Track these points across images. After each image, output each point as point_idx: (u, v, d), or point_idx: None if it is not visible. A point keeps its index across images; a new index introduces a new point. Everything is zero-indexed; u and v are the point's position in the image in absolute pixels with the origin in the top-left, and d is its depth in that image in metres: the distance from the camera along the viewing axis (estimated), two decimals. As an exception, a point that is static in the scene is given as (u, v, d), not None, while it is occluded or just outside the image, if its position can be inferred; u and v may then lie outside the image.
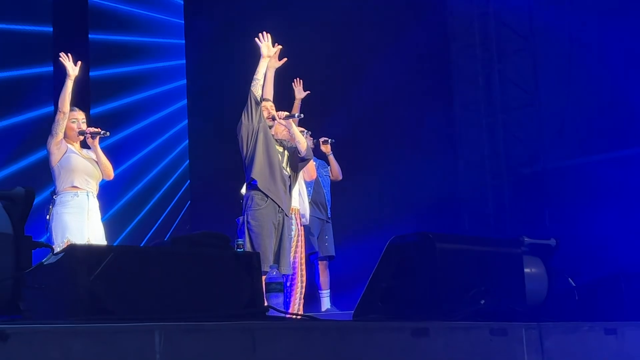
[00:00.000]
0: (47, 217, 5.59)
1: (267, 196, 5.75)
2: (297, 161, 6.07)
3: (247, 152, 5.85)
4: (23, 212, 2.60)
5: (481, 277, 3.65)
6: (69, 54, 5.75)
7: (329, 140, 7.45)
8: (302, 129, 6.54)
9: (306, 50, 8.98)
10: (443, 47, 9.49)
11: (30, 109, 8.51)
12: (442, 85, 9.48)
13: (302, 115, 6.23)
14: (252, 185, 5.81)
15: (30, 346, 2.19)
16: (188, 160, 10.00)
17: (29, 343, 2.19)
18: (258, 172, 5.79)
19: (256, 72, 5.91)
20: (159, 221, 9.51)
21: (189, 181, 10.02)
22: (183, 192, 10.00)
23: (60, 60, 5.74)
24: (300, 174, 6.41)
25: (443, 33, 9.53)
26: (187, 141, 10.03)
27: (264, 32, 5.98)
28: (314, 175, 7.01)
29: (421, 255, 3.52)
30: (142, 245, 8.06)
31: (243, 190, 5.94)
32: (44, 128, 8.20)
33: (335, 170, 7.47)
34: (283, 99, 6.51)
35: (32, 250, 2.64)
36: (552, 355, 3.49)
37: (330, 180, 7.46)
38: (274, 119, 6.05)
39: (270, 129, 5.99)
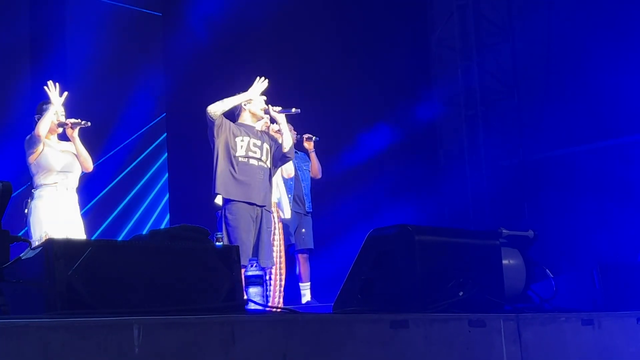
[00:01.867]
0: (25, 210, 5.57)
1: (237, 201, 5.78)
2: (278, 157, 6.06)
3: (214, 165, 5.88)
4: (0, 207, 2.58)
5: (460, 269, 3.66)
6: (56, 83, 5.72)
7: (313, 138, 7.44)
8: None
9: (287, 42, 8.99)
10: (422, 39, 9.52)
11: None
12: (422, 79, 9.50)
13: (299, 111, 6.15)
14: None
15: (8, 341, 2.18)
16: (166, 153, 9.94)
17: (7, 338, 2.18)
18: (220, 184, 5.79)
19: (227, 99, 5.85)
20: (137, 214, 9.46)
21: (167, 174, 9.97)
22: (161, 185, 9.95)
23: (45, 88, 5.71)
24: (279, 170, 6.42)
25: (422, 26, 9.56)
26: (165, 134, 9.97)
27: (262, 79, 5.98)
28: (292, 173, 7.00)
29: (400, 247, 3.53)
30: (120, 239, 8.03)
31: (218, 201, 5.91)
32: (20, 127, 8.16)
33: (315, 168, 7.47)
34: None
35: (10, 245, 2.62)
36: (530, 346, 3.52)
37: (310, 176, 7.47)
38: (267, 112, 6.03)
39: (254, 121, 6.00)
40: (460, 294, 3.50)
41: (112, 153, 9.01)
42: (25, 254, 2.64)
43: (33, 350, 2.22)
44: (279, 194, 6.74)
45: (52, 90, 5.69)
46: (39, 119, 5.72)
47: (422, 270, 3.51)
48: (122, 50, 9.30)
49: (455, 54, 9.89)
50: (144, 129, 9.77)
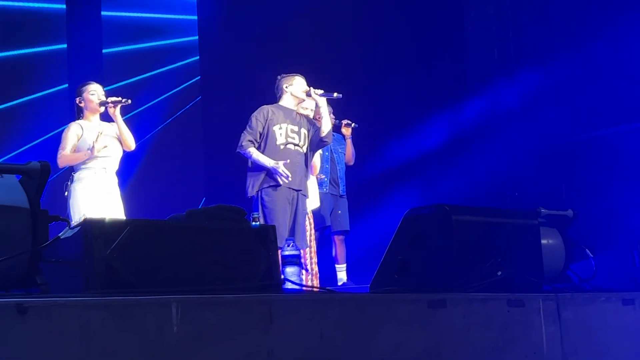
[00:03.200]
0: (65, 193, 5.62)
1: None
2: (315, 141, 6.06)
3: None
4: (39, 186, 2.60)
5: (498, 249, 3.63)
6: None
7: (352, 125, 7.41)
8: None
9: (322, 20, 8.97)
10: (457, 20, 9.42)
11: (45, 87, 8.53)
12: (457, 60, 9.41)
13: (340, 95, 6.11)
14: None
15: (48, 319, 2.20)
16: (202, 136, 10.00)
17: (46, 316, 2.20)
18: (253, 180, 5.83)
19: (256, 156, 5.84)
20: (174, 196, 9.53)
21: (203, 156, 10.02)
22: (197, 167, 10.01)
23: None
24: None
25: (457, 5, 9.45)
26: (200, 117, 10.03)
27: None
28: (316, 172, 6.97)
29: (437, 227, 3.50)
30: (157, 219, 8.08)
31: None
32: (59, 105, 8.25)
33: (349, 154, 7.46)
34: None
35: (49, 224, 2.65)
36: (570, 326, 3.48)
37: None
38: (308, 94, 6.02)
39: (295, 103, 6.03)
40: (499, 273, 3.47)
41: (150, 135, 9.09)
42: (64, 234, 2.66)
43: (72, 329, 2.24)
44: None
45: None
46: (79, 101, 5.76)
47: (460, 250, 3.48)
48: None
49: (491, 34, 9.77)
50: (181, 110, 9.84)
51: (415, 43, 9.28)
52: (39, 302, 2.22)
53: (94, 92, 5.74)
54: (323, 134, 6.03)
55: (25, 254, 2.53)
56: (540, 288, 3.72)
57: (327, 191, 7.08)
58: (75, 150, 5.66)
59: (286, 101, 6.07)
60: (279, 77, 6.15)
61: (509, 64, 9.54)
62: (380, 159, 9.00)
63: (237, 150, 5.90)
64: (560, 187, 8.48)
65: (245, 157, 5.92)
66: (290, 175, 5.76)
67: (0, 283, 2.54)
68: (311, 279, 6.27)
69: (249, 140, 5.85)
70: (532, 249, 3.85)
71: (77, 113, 5.81)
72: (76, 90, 5.89)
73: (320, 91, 6.05)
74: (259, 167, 5.85)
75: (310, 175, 6.73)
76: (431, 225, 3.52)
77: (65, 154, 5.61)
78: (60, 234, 2.66)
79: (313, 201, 6.67)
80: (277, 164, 5.74)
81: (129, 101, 5.74)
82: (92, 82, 5.87)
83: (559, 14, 9.04)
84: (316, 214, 6.67)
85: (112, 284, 2.66)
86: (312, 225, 6.51)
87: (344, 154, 7.43)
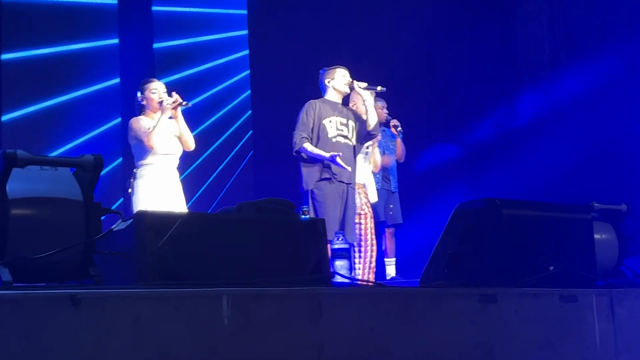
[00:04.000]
0: (129, 190, 5.67)
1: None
2: (363, 134, 6.04)
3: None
4: (92, 179, 2.63)
5: (550, 244, 3.58)
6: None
7: (399, 128, 7.40)
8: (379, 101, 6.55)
9: (371, 13, 8.95)
10: (508, 13, 9.31)
11: (97, 82, 8.64)
12: (508, 54, 9.30)
13: (384, 89, 6.09)
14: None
15: (101, 311, 2.22)
16: (251, 130, 10.06)
17: (100, 308, 2.23)
18: (307, 174, 5.83)
19: (311, 150, 5.83)
20: (224, 189, 9.60)
21: (252, 151, 10.08)
22: (247, 161, 10.07)
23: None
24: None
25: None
26: (250, 111, 10.08)
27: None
28: (378, 168, 6.97)
29: (488, 221, 3.47)
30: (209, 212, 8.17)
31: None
32: (111, 99, 8.36)
33: (400, 151, 7.45)
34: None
35: (102, 217, 2.68)
36: (623, 322, 3.43)
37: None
38: (352, 88, 6.01)
39: (339, 96, 6.02)
40: (551, 268, 3.42)
41: (200, 129, 9.17)
42: (117, 226, 2.69)
43: (125, 320, 2.26)
44: (366, 177, 6.74)
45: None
46: (141, 99, 5.77)
47: (511, 245, 3.44)
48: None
49: (542, 28, 9.64)
50: (230, 105, 9.90)
51: (465, 37, 9.20)
52: (92, 294, 2.25)
53: (155, 90, 5.74)
54: (370, 127, 6.00)
55: (78, 245, 2.56)
56: (594, 283, 3.67)
57: (380, 187, 7.08)
58: (138, 144, 5.68)
59: (330, 95, 6.06)
60: (321, 71, 6.14)
61: (560, 58, 9.41)
62: (431, 153, 8.96)
63: (294, 150, 5.87)
64: (613, 181, 8.35)
65: (302, 154, 5.89)
66: (347, 166, 5.75)
67: (55, 274, 2.58)
68: (367, 271, 6.25)
69: (303, 137, 5.84)
70: (584, 244, 3.79)
71: (138, 110, 5.82)
72: (139, 86, 5.89)
73: (364, 84, 6.02)
74: (313, 161, 5.84)
75: (371, 171, 6.76)
76: (482, 219, 3.49)
77: (149, 132, 5.57)
78: (113, 226, 2.69)
79: (371, 196, 6.68)
80: (335, 155, 5.72)
81: (189, 104, 5.74)
82: (153, 79, 5.87)
83: (611, 6, 8.88)
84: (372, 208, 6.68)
85: (164, 276, 2.68)
86: (372, 219, 6.49)
87: (395, 150, 7.42)
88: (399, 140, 7.45)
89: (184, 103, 5.67)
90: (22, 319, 2.07)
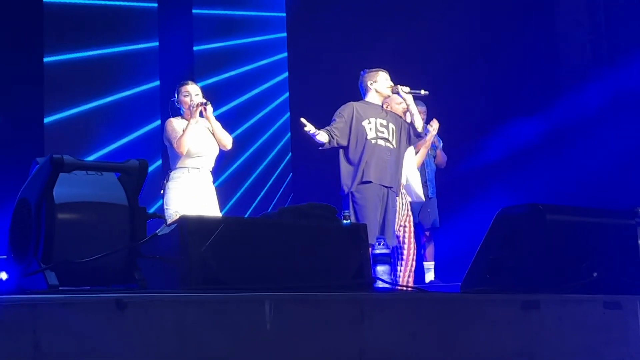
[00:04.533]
0: (161, 191, 5.72)
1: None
2: (410, 136, 6.05)
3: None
4: (137, 184, 2.66)
5: (593, 249, 3.54)
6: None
7: (438, 145, 7.41)
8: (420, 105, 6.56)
9: (409, 14, 8.93)
10: (548, 15, 9.22)
11: (137, 85, 8.72)
12: (548, 56, 9.22)
13: (427, 93, 6.08)
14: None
15: (146, 315, 2.24)
16: (290, 133, 10.08)
17: (144, 312, 2.25)
18: (347, 177, 5.81)
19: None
20: (262, 192, 9.63)
21: (290, 153, 10.10)
22: (285, 164, 10.10)
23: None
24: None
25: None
26: (288, 114, 10.10)
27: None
28: (420, 164, 6.99)
29: (531, 226, 3.44)
30: (245, 215, 8.20)
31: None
32: (151, 102, 8.44)
33: (440, 157, 7.44)
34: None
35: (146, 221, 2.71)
36: (669, 330, 3.38)
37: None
38: (395, 91, 6.00)
39: (381, 99, 6.02)
40: (595, 274, 3.38)
41: (239, 131, 9.22)
42: (161, 231, 2.72)
43: (169, 324, 2.28)
44: (408, 177, 6.74)
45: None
46: (177, 102, 5.82)
47: (554, 250, 3.41)
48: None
49: (582, 29, 9.53)
50: (269, 108, 9.94)
51: (504, 39, 9.14)
52: (138, 298, 2.27)
53: (187, 93, 5.78)
54: (419, 129, 6.02)
55: (123, 250, 2.59)
56: (638, 290, 3.62)
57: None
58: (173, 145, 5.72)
59: (372, 97, 6.06)
60: (362, 72, 6.14)
61: (601, 60, 9.31)
62: (471, 156, 8.90)
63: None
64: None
65: (321, 146, 5.88)
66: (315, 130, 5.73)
67: (100, 278, 2.61)
68: (408, 274, 6.23)
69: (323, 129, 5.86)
70: (628, 250, 3.74)
71: (174, 112, 5.86)
72: (176, 89, 5.94)
73: (407, 88, 6.01)
74: (351, 164, 5.84)
75: (415, 170, 6.76)
76: (524, 224, 3.46)
77: (179, 138, 5.63)
78: (157, 231, 2.72)
79: (418, 196, 6.69)
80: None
81: (208, 103, 5.75)
82: (188, 82, 5.91)
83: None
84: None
85: (206, 281, 2.70)
86: (411, 220, 6.48)
87: (434, 157, 7.40)
88: (438, 151, 7.46)
89: (204, 102, 5.70)
90: (70, 323, 2.09)
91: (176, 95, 5.83)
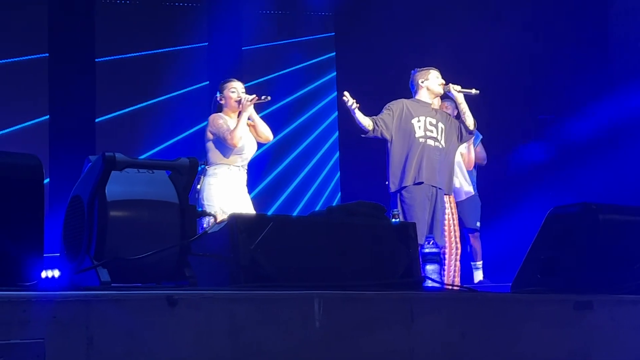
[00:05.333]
0: (198, 186, 5.73)
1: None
2: (461, 134, 6.02)
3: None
4: (187, 182, 2.68)
5: (648, 249, 3.48)
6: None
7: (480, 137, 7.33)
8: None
9: (458, 13, 8.87)
10: (601, 14, 9.09)
11: (187, 85, 8.80)
12: (600, 54, 9.08)
13: (478, 92, 6.05)
14: None
15: (196, 311, 2.26)
16: (337, 132, 10.07)
17: (195, 308, 2.26)
18: (394, 176, 5.79)
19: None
20: (310, 191, 9.64)
21: (338, 152, 10.09)
22: (333, 163, 10.09)
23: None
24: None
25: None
26: (336, 113, 10.09)
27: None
28: (472, 166, 6.95)
29: (583, 226, 3.39)
30: (292, 214, 8.22)
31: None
32: (199, 102, 8.50)
33: (480, 153, 7.35)
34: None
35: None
36: None
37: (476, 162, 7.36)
38: (447, 91, 5.98)
39: (432, 98, 6.01)
40: (650, 275, 3.32)
41: (286, 131, 9.24)
42: (211, 228, 2.74)
43: (219, 321, 2.29)
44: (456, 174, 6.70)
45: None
46: (220, 98, 5.85)
47: (607, 250, 3.36)
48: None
49: (635, 28, 9.37)
50: (316, 107, 9.94)
51: (556, 37, 9.02)
52: (189, 295, 2.28)
53: (234, 89, 5.82)
54: (471, 127, 5.99)
55: (174, 247, 2.61)
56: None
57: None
58: (213, 142, 5.76)
59: (422, 96, 6.03)
60: (413, 71, 6.12)
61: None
62: (520, 154, 8.81)
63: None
64: None
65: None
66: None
67: (151, 275, 2.63)
68: (453, 275, 6.19)
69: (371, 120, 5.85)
70: (684, 250, 3.67)
71: (215, 109, 5.89)
72: (219, 86, 5.98)
73: (458, 87, 5.98)
74: (399, 162, 5.82)
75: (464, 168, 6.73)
76: (577, 224, 3.41)
77: (232, 131, 5.65)
78: (207, 228, 2.73)
79: (468, 192, 6.66)
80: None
81: (269, 98, 5.79)
82: (233, 79, 5.95)
83: None
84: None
85: (256, 278, 2.71)
86: (456, 218, 6.43)
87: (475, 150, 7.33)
88: (477, 147, 7.36)
89: (263, 98, 5.72)
90: (122, 319, 2.12)
91: (219, 92, 5.87)
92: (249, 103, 5.67)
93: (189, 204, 2.67)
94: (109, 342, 2.07)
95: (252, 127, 5.83)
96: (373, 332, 2.57)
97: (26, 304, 1.96)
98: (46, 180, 6.38)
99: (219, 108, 5.87)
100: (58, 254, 2.77)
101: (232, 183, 5.69)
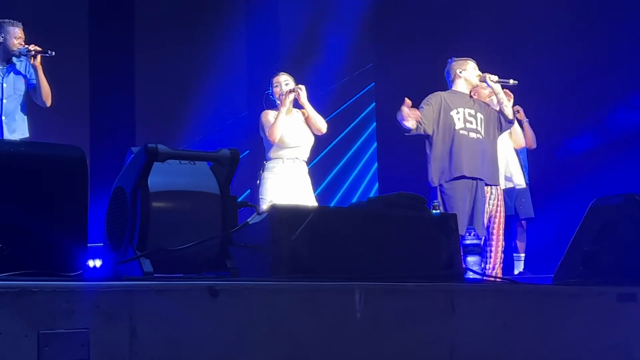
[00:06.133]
0: (257, 182, 5.79)
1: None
2: (501, 123, 5.97)
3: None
4: (228, 173, 2.69)
5: (693, 241, 3.42)
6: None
7: (520, 110, 7.22)
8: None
9: (496, 3, 8.79)
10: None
11: (226, 76, 8.83)
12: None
13: (516, 82, 6.00)
14: None
15: (238, 302, 2.27)
16: (375, 123, 10.05)
17: (236, 299, 2.27)
18: (436, 170, 5.76)
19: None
20: (348, 181, 9.65)
21: (375, 143, 10.08)
22: (370, 154, 10.09)
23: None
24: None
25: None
26: (374, 103, 10.08)
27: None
28: (523, 143, 6.91)
29: (627, 217, 3.35)
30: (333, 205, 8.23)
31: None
32: (237, 95, 8.54)
33: (530, 137, 7.26)
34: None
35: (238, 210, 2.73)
36: None
37: (526, 147, 7.28)
38: (483, 80, 5.93)
39: (469, 88, 5.98)
40: (695, 266, 3.27)
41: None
42: (252, 219, 2.74)
43: (260, 312, 2.30)
44: (508, 163, 6.66)
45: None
46: (271, 94, 5.87)
47: (651, 242, 3.32)
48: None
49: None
50: (353, 98, 9.93)
51: (595, 26, 8.89)
52: (230, 285, 2.29)
53: (277, 83, 5.85)
54: (510, 116, 5.95)
55: (216, 238, 2.62)
56: None
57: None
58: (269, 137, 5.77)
59: (459, 86, 5.98)
60: (450, 60, 6.07)
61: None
62: (564, 146, 8.72)
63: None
64: None
65: (407, 132, 5.84)
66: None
67: (192, 266, 2.65)
68: (495, 266, 6.14)
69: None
70: None
71: (267, 104, 5.91)
72: (271, 81, 5.99)
73: (495, 77, 5.93)
74: (440, 156, 5.77)
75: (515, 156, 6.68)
76: (620, 215, 3.38)
77: (271, 127, 5.65)
78: (248, 220, 2.74)
79: (519, 182, 6.63)
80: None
81: (301, 88, 5.76)
82: (280, 72, 5.96)
83: None
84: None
85: (296, 269, 2.72)
86: (502, 209, 6.37)
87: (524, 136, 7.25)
88: (525, 125, 7.25)
89: (296, 91, 5.71)
90: (164, 309, 2.13)
91: (270, 88, 5.90)
92: (285, 97, 5.68)
93: (230, 195, 2.68)
94: (151, 331, 2.09)
95: (307, 118, 5.84)
96: (414, 323, 2.56)
97: (71, 294, 1.98)
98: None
99: (271, 104, 5.90)
100: (101, 244, 2.80)
101: (288, 176, 5.72)
